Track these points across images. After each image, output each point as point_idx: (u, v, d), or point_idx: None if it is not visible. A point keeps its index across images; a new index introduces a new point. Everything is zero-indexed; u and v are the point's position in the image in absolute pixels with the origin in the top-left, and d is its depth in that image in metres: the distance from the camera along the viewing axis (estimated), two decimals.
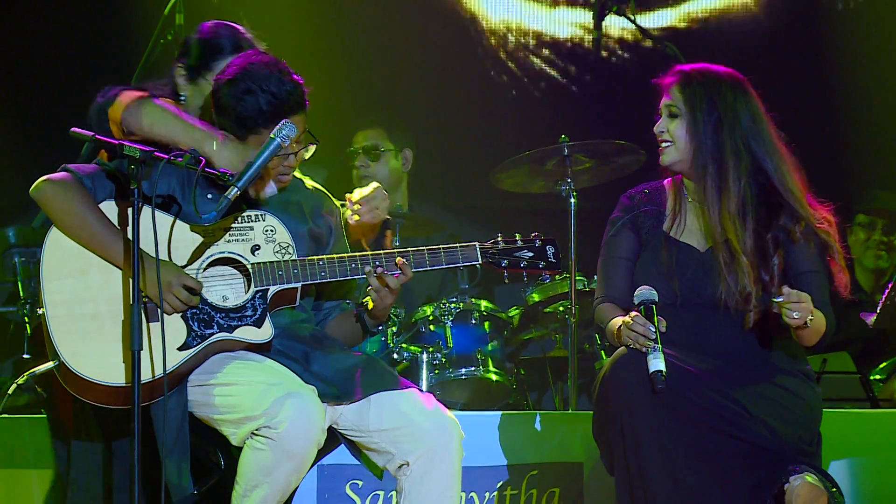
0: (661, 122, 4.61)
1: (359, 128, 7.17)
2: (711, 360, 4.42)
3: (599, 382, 4.38)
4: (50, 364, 4.20)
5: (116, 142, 4.12)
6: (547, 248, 4.43)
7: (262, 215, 4.34)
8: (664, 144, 4.61)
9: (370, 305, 4.41)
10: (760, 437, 4.34)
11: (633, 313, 4.35)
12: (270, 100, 4.26)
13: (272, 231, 4.34)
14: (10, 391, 5.46)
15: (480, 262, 4.37)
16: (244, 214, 4.33)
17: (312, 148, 4.40)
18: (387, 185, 6.92)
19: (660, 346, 4.27)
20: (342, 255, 4.35)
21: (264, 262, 4.28)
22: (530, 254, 4.42)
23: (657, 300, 4.37)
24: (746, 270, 4.47)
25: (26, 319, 6.67)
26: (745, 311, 4.47)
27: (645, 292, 4.39)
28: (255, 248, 4.31)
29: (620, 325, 4.39)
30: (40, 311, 4.19)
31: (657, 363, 4.25)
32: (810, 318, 4.30)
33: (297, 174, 4.52)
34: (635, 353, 4.31)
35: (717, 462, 4.31)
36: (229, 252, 4.30)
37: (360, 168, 7.04)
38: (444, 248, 4.36)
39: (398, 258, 4.31)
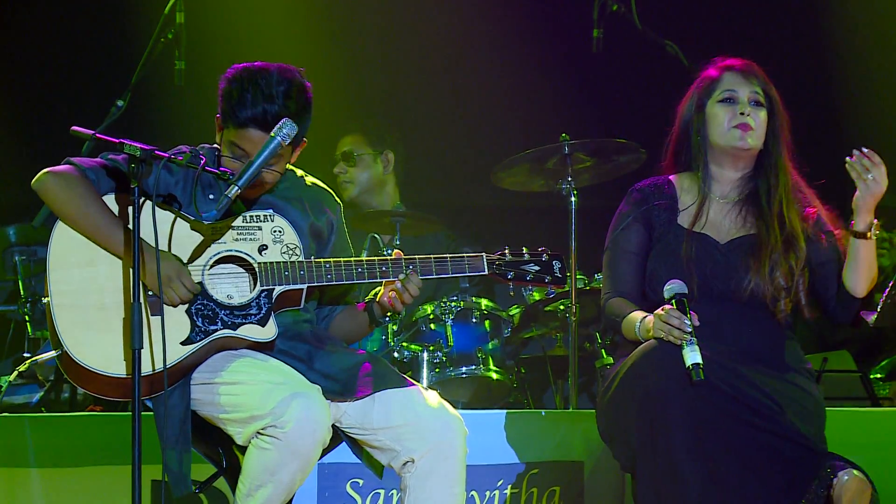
0: (748, 109, 4.63)
1: (341, 134, 7.28)
2: (731, 352, 4.42)
3: (622, 376, 4.36)
4: (52, 353, 4.22)
5: (117, 140, 4.13)
6: (553, 262, 4.46)
7: (270, 216, 4.35)
8: (749, 130, 4.63)
9: (379, 297, 4.42)
10: (791, 431, 4.34)
11: (667, 307, 4.35)
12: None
13: (280, 232, 4.34)
14: (11, 378, 5.47)
15: (487, 272, 4.39)
16: (253, 214, 4.33)
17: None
18: (368, 188, 7.15)
19: (695, 339, 4.28)
20: (349, 258, 4.36)
21: (271, 262, 4.29)
22: (536, 268, 4.44)
23: (688, 294, 4.39)
24: (801, 255, 4.54)
25: (27, 318, 6.68)
26: (778, 298, 4.51)
27: (676, 286, 4.40)
28: (262, 248, 4.32)
29: (648, 319, 4.39)
30: (45, 300, 4.20)
31: (694, 356, 4.24)
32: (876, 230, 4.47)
33: (298, 171, 4.53)
34: (666, 346, 4.30)
35: (752, 455, 4.30)
36: (237, 250, 4.31)
37: (338, 174, 7.17)
38: (450, 258, 4.38)
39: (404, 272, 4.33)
